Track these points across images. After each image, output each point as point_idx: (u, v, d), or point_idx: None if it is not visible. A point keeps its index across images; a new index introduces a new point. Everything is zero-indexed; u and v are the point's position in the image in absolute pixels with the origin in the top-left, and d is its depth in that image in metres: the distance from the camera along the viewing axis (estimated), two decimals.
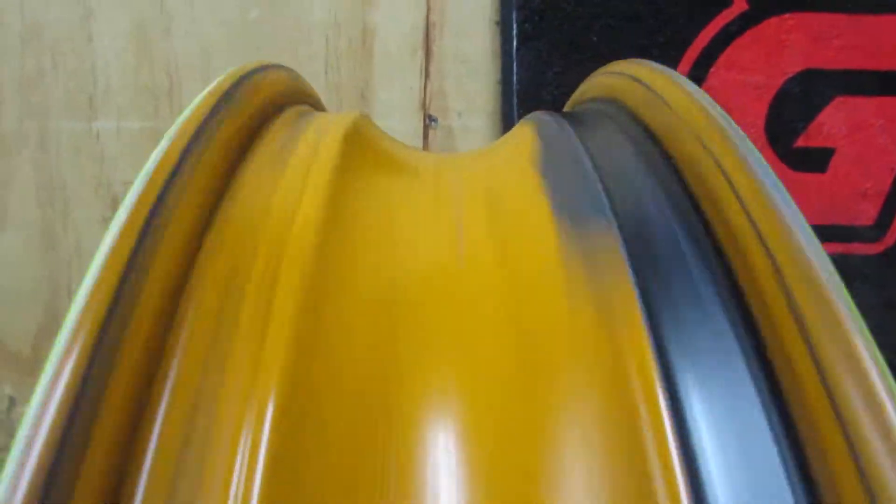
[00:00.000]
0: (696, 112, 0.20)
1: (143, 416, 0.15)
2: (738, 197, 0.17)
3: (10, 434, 0.63)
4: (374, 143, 0.22)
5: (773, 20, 0.55)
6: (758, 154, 0.18)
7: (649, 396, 0.15)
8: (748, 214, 0.17)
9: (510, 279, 0.16)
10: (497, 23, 0.56)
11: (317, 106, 0.26)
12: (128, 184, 0.58)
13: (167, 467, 0.14)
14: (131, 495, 0.14)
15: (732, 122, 0.20)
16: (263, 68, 0.21)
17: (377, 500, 0.15)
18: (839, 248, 0.57)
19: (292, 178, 0.18)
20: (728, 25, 0.55)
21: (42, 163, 0.59)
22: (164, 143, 0.16)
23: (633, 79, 0.23)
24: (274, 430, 0.14)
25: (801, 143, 0.56)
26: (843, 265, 0.57)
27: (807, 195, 0.57)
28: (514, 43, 0.54)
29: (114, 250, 0.14)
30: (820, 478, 0.15)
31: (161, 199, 0.16)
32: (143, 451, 0.15)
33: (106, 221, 0.60)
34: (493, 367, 0.16)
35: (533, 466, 0.14)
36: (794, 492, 0.15)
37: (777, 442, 0.15)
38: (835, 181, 0.56)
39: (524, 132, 0.23)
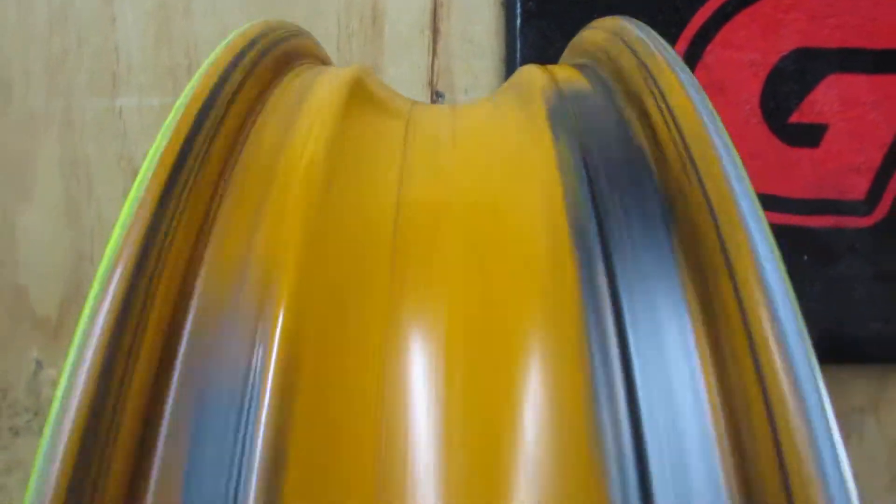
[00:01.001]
0: (646, 47, 0.22)
1: (185, 305, 0.18)
2: (669, 102, 0.19)
3: (37, 395, 0.66)
4: (375, 91, 0.24)
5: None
6: (693, 78, 0.21)
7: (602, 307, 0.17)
8: (675, 124, 0.19)
9: (493, 173, 0.19)
10: (502, 3, 0.58)
11: (326, 63, 0.28)
12: None
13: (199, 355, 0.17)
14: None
15: (680, 62, 0.22)
16: (281, 24, 0.24)
17: (374, 387, 0.17)
18: (831, 220, 0.59)
19: (303, 120, 0.20)
20: (725, 4, 0.57)
21: (67, 139, 0.62)
22: (194, 83, 0.19)
23: (606, 30, 0.25)
24: (286, 318, 0.16)
25: (794, 119, 0.58)
26: (835, 238, 0.59)
27: (800, 169, 0.58)
28: (518, 22, 0.56)
29: (158, 165, 0.17)
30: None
31: (190, 135, 0.18)
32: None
33: (127, 195, 0.63)
34: (467, 284, 0.18)
35: (496, 362, 0.17)
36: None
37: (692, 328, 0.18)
38: (827, 156, 0.58)
39: (523, 80, 0.25)
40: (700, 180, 0.19)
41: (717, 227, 0.18)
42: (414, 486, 0.17)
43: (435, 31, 0.58)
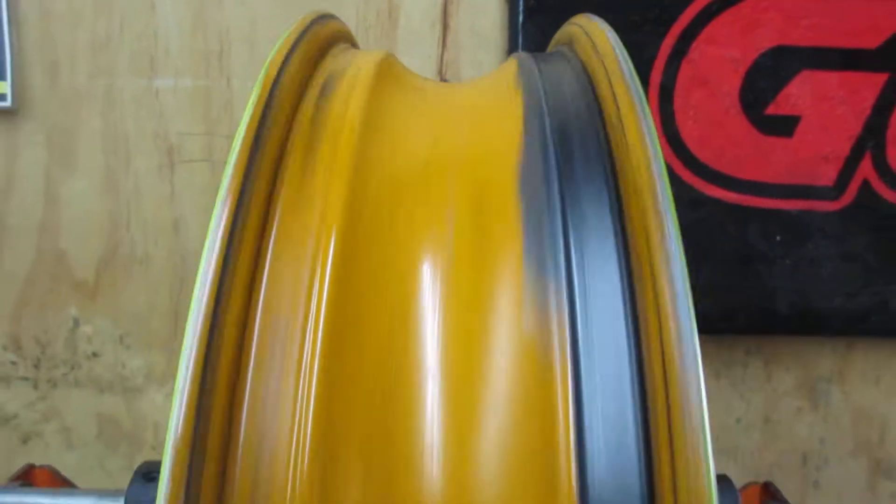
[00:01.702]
0: (601, 37, 0.28)
1: (272, 206, 0.23)
2: (610, 77, 0.25)
3: (74, 350, 0.72)
4: (396, 69, 0.30)
5: (750, 1, 0.62)
6: (628, 62, 0.26)
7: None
8: (613, 93, 0.25)
9: (484, 135, 0.25)
10: (506, 0, 0.64)
11: (356, 46, 0.34)
12: (182, 135, 0.67)
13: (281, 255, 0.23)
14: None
15: (623, 49, 0.28)
16: (326, 16, 0.30)
17: (396, 295, 0.23)
18: (802, 204, 0.64)
19: (344, 87, 0.26)
20: (710, 5, 0.62)
21: (108, 116, 0.68)
22: (266, 66, 0.25)
23: (574, 24, 0.31)
24: (337, 240, 0.22)
25: (770, 110, 0.63)
26: (805, 220, 0.65)
27: (775, 157, 0.64)
28: (521, 18, 0.62)
29: (248, 124, 0.23)
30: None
31: (270, 95, 0.24)
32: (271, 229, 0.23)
33: (161, 168, 0.68)
34: (461, 221, 0.24)
35: (477, 279, 0.23)
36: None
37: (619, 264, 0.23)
38: (800, 145, 0.64)
39: (509, 62, 0.31)
40: (623, 128, 0.25)
41: (632, 168, 0.24)
42: (420, 361, 0.23)
43: (445, 26, 0.64)
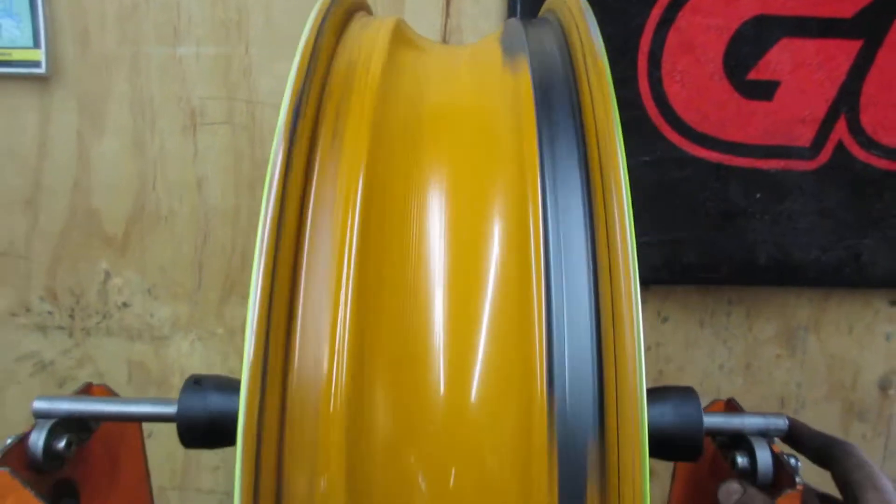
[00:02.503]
0: (576, 7, 0.33)
1: (314, 143, 0.28)
2: (582, 40, 0.30)
3: (105, 300, 0.77)
4: (407, 33, 0.35)
5: None
6: (596, 31, 0.31)
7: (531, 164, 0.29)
8: (583, 53, 0.30)
9: (478, 90, 0.30)
10: None
11: (371, 13, 0.39)
12: (204, 99, 0.72)
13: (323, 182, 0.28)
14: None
15: (592, 16, 0.32)
16: None
17: (413, 210, 0.28)
18: (781, 164, 0.69)
19: (366, 48, 0.31)
20: None
21: (135, 81, 0.72)
22: (307, 28, 0.30)
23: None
24: (365, 180, 0.27)
25: (752, 76, 0.68)
26: (784, 179, 0.69)
27: (755, 119, 0.68)
28: None
29: (296, 76, 0.27)
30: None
31: (313, 52, 0.29)
32: (314, 164, 0.28)
33: (185, 130, 0.73)
34: (466, 149, 0.29)
35: (476, 200, 0.28)
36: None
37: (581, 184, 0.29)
38: (779, 109, 0.68)
39: (502, 27, 0.37)
40: (590, 86, 0.30)
41: (594, 115, 0.29)
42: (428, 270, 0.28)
43: None
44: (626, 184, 0.28)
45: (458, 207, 0.28)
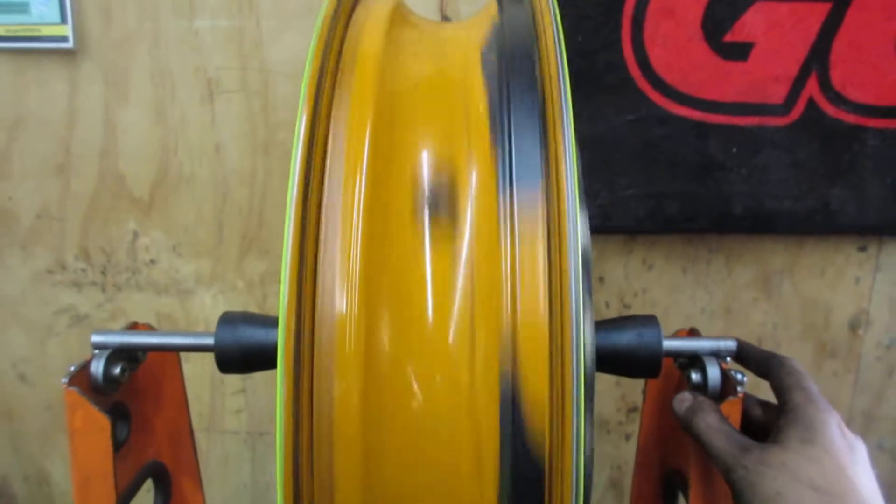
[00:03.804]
0: None
1: (329, 111, 0.35)
2: (544, 28, 0.36)
3: (134, 258, 0.84)
4: (404, 13, 0.41)
5: None
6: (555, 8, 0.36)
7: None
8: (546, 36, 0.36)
9: (457, 73, 0.36)
10: None
11: None
12: (219, 69, 0.77)
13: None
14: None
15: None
16: None
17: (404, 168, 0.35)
18: (755, 120, 0.74)
19: (369, 27, 0.37)
20: None
21: (155, 53, 0.78)
22: (321, 14, 0.35)
23: None
24: (370, 139, 0.33)
25: (728, 38, 0.72)
26: (759, 134, 0.75)
27: (732, 79, 0.73)
28: None
29: (314, 55, 0.33)
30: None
31: (329, 33, 0.35)
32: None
33: (203, 99, 0.79)
34: (445, 118, 0.35)
35: (454, 155, 0.34)
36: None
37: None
38: (754, 68, 0.73)
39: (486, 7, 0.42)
40: (547, 49, 0.35)
41: (551, 82, 0.34)
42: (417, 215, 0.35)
43: None
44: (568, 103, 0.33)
45: (442, 171, 0.34)
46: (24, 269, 0.85)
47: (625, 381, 0.86)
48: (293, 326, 0.34)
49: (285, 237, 0.34)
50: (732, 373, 0.44)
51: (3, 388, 0.90)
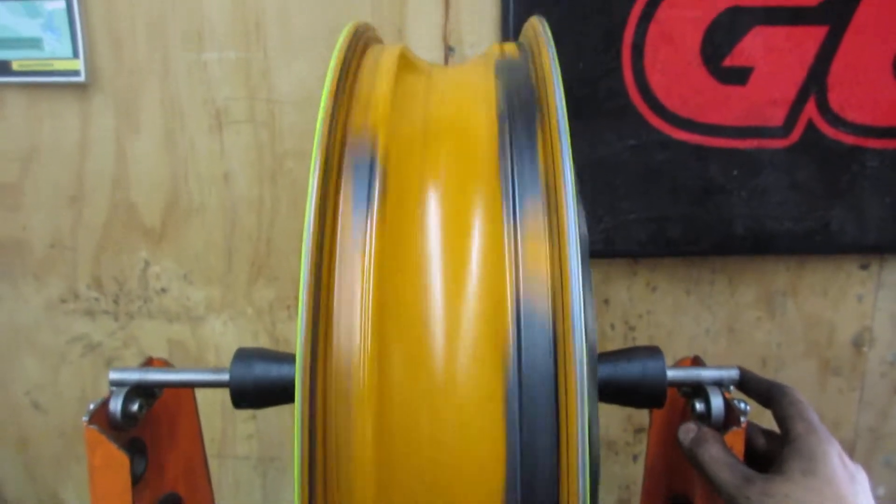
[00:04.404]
0: (539, 34, 0.39)
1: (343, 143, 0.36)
2: (541, 65, 0.37)
3: (146, 286, 0.85)
4: (411, 59, 0.42)
5: None
6: (554, 57, 0.37)
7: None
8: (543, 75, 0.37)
9: (466, 114, 0.37)
10: None
11: (380, 41, 0.46)
12: (228, 100, 0.79)
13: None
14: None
15: (549, 37, 0.39)
16: (365, 24, 0.42)
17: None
18: (755, 143, 0.75)
19: (379, 73, 0.38)
20: None
21: (165, 85, 0.79)
22: (333, 59, 0.37)
23: (528, 23, 0.43)
24: (381, 150, 0.35)
25: (727, 62, 0.74)
26: (758, 156, 0.76)
27: (731, 102, 0.75)
28: None
29: (326, 98, 0.35)
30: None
31: (343, 70, 0.37)
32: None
33: (211, 129, 0.80)
34: (455, 156, 0.37)
35: (464, 195, 0.35)
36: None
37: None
38: (753, 92, 0.74)
39: (486, 51, 0.44)
40: (548, 99, 0.36)
41: (550, 126, 0.36)
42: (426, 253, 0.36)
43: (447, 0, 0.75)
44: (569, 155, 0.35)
45: (450, 209, 0.36)
46: (38, 298, 0.87)
47: None
48: (309, 365, 0.35)
49: (301, 279, 0.35)
50: (736, 402, 0.44)
51: (17, 416, 0.92)
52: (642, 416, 0.87)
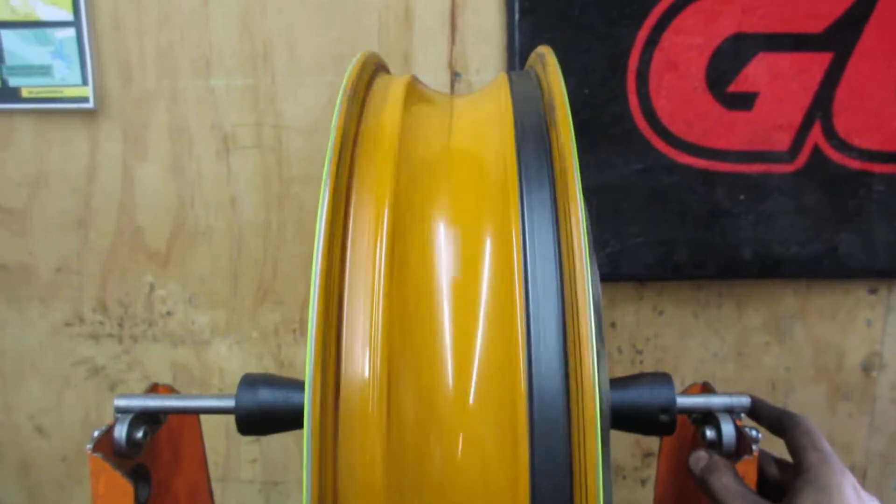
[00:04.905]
0: (550, 60, 0.40)
1: (350, 188, 0.36)
2: (552, 94, 0.37)
3: (151, 310, 0.85)
4: (419, 89, 0.42)
5: None
6: (563, 86, 0.38)
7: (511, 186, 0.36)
8: (554, 107, 0.37)
9: (480, 143, 0.37)
10: (505, 1, 0.75)
11: (388, 70, 0.46)
12: (235, 126, 0.79)
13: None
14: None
15: (559, 73, 0.39)
16: (373, 54, 0.42)
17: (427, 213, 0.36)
18: (762, 167, 0.75)
19: (387, 106, 0.38)
20: (676, 0, 0.72)
21: (173, 111, 0.80)
22: (341, 92, 0.37)
23: (536, 51, 0.43)
24: (389, 211, 0.35)
25: (732, 88, 0.74)
26: (765, 181, 0.76)
27: (737, 128, 0.75)
28: (517, 17, 0.73)
29: (337, 126, 0.35)
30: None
31: (347, 111, 0.37)
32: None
33: (219, 154, 0.81)
34: (465, 185, 0.37)
35: (476, 229, 0.35)
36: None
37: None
38: (758, 117, 0.74)
39: (496, 80, 0.44)
40: (557, 125, 0.36)
41: (559, 145, 0.36)
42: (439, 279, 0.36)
43: (453, 25, 0.75)
44: (579, 187, 0.35)
45: (459, 238, 0.36)
46: (43, 322, 0.87)
47: None
48: (319, 391, 0.35)
49: (311, 302, 0.35)
50: (747, 430, 0.44)
51: (20, 440, 0.91)
52: (651, 440, 0.86)
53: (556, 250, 0.34)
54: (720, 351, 0.83)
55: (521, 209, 0.35)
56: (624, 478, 0.87)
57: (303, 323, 0.85)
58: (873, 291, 0.81)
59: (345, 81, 0.36)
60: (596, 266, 0.37)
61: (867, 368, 0.83)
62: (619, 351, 0.83)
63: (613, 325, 0.82)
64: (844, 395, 0.84)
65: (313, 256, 0.33)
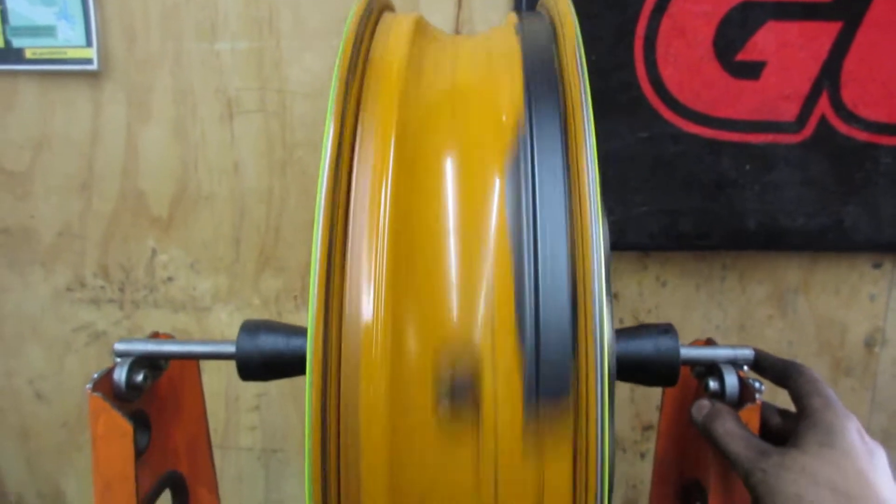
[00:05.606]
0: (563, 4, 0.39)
1: (357, 124, 0.35)
2: (564, 37, 0.37)
3: (153, 275, 0.85)
4: (425, 26, 0.42)
5: None
6: (574, 19, 0.37)
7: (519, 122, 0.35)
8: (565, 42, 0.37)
9: (482, 69, 0.37)
10: None
11: (394, 10, 0.46)
12: (239, 90, 0.79)
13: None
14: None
15: (571, 8, 0.39)
16: None
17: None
18: (768, 137, 0.75)
19: (393, 40, 0.38)
20: None
21: (177, 74, 0.79)
22: (347, 26, 0.36)
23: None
24: (395, 146, 0.34)
25: (740, 57, 0.73)
26: (771, 151, 0.75)
27: (744, 97, 0.74)
28: None
29: (340, 65, 0.34)
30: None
31: (353, 46, 0.36)
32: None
33: (223, 119, 0.80)
34: (473, 121, 0.36)
35: (482, 166, 0.35)
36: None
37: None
38: (766, 87, 0.74)
39: (505, 21, 0.44)
40: (566, 58, 0.36)
41: (570, 87, 0.35)
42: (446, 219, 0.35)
43: None
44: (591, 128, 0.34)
45: (465, 174, 0.35)
46: (45, 287, 0.86)
47: (639, 399, 0.86)
48: (321, 334, 0.34)
49: (314, 249, 0.34)
50: (750, 381, 0.44)
51: (19, 406, 0.91)
52: (650, 414, 0.86)
53: (566, 188, 0.34)
54: (723, 324, 0.83)
55: (531, 146, 0.35)
56: (624, 451, 0.87)
57: (304, 290, 0.84)
58: (877, 266, 0.80)
59: (350, 17, 0.36)
60: (605, 211, 0.36)
61: (870, 344, 0.82)
62: (621, 322, 0.82)
63: (616, 295, 0.82)
64: (846, 371, 0.84)
65: (318, 187, 0.33)
